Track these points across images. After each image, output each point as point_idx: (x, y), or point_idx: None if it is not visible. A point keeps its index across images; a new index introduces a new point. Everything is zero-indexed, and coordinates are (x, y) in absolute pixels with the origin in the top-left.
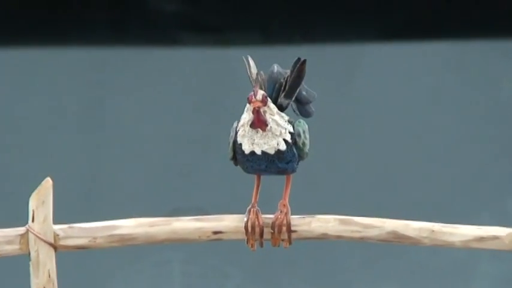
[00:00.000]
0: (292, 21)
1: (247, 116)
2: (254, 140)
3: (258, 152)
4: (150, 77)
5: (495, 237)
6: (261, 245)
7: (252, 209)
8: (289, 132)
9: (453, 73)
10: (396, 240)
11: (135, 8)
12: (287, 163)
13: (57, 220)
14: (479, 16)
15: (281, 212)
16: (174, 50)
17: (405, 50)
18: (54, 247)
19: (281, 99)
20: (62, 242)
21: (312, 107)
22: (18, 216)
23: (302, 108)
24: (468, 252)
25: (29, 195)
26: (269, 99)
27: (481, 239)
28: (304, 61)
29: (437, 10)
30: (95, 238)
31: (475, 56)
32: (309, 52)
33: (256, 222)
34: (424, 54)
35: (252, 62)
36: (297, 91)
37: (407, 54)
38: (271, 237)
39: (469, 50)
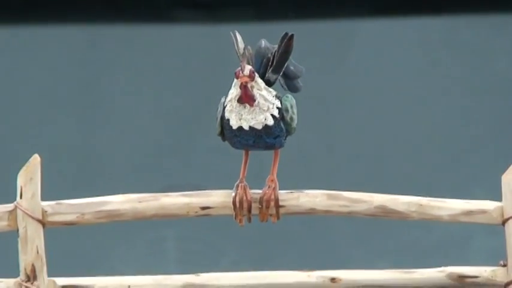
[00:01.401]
0: None
1: (234, 91)
2: (242, 115)
3: (246, 127)
4: (143, 54)
5: (483, 211)
6: (249, 220)
7: (240, 184)
8: (277, 107)
9: (445, 48)
10: (384, 215)
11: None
12: (275, 138)
13: (46, 197)
14: None
15: (269, 187)
16: (167, 27)
17: (396, 25)
18: (42, 223)
19: (269, 74)
20: (50, 218)
21: (299, 82)
22: (8, 193)
23: (290, 83)
24: (462, 228)
25: (14, 177)
26: (256, 74)
27: (469, 212)
28: (292, 36)
29: None
30: (82, 214)
31: (467, 30)
32: (302, 28)
33: (244, 197)
34: (415, 29)
35: (239, 37)
36: (285, 66)
37: (399, 30)
38: (259, 212)
39: (461, 25)
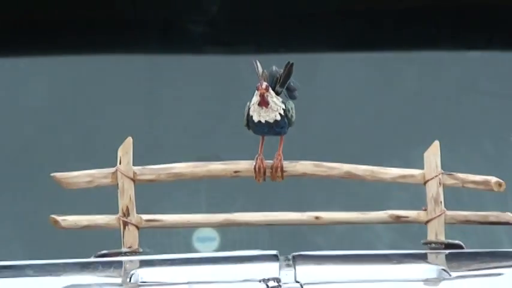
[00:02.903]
0: (277, 38)
1: (255, 98)
2: (260, 113)
3: (263, 121)
4: (184, 74)
5: (412, 176)
6: (264, 180)
7: (258, 157)
8: (283, 109)
9: (382, 78)
10: (349, 177)
11: (176, 29)
12: (281, 128)
13: (135, 163)
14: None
15: (277, 159)
16: (200, 57)
17: (349, 59)
18: (133, 180)
19: (277, 88)
20: (138, 177)
21: (296, 93)
22: (110, 162)
23: (291, 94)
24: (380, 187)
25: (117, 149)
26: (270, 88)
27: (404, 176)
28: (292, 63)
29: (376, 26)
30: (159, 175)
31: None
32: (288, 59)
33: (261, 166)
34: (360, 63)
35: (259, 64)
36: (287, 83)
37: (350, 62)
38: (271, 175)
39: (395, 60)
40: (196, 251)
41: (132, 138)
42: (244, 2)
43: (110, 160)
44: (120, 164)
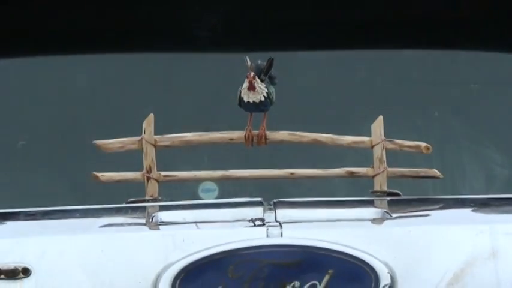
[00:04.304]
0: (262, 40)
1: (245, 84)
2: (249, 95)
3: (251, 101)
4: (192, 68)
5: (363, 142)
6: (252, 145)
7: (247, 128)
8: (266, 92)
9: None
10: (316, 143)
11: (185, 34)
12: (265, 106)
13: (156, 133)
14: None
15: (261, 129)
16: (203, 55)
17: (315, 56)
18: (155, 146)
19: (262, 76)
20: (159, 144)
21: (276, 80)
22: (137, 133)
23: (272, 81)
24: (339, 150)
25: (142, 123)
26: (256, 76)
27: (356, 142)
28: (273, 59)
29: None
30: (174, 142)
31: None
32: (270, 55)
33: (250, 134)
34: (323, 60)
35: (248, 59)
36: (269, 72)
37: (316, 59)
38: (257, 141)
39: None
40: (200, 199)
41: (154, 115)
42: (237, 14)
43: (137, 131)
44: (144, 133)
